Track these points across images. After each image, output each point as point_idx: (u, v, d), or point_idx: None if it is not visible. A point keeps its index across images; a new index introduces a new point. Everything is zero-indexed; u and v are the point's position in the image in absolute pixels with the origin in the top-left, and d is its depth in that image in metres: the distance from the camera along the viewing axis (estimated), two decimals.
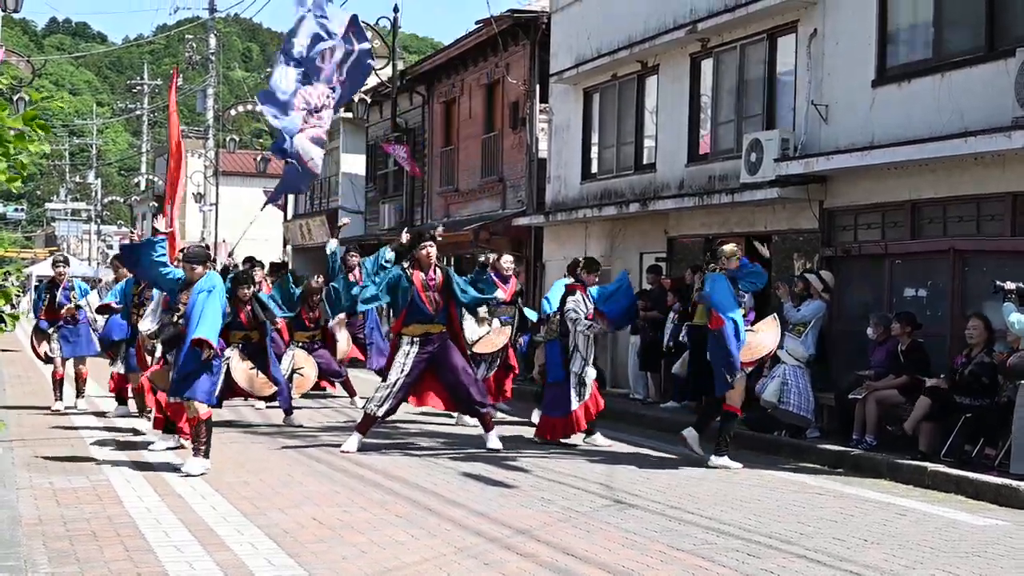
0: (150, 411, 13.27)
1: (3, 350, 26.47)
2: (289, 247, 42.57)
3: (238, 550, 7.64)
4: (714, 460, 12.06)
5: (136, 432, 13.48)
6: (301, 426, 14.69)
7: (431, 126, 31.66)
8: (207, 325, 10.62)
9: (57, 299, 16.10)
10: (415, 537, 8.21)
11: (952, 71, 13.46)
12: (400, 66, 31.33)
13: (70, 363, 16.34)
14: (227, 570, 7.10)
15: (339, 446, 12.56)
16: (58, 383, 16.06)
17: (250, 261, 17.01)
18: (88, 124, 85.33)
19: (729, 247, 12.54)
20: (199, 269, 11.09)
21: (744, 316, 12.41)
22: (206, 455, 10.75)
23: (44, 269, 62.39)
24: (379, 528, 8.50)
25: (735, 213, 17.55)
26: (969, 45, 13.39)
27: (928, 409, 11.85)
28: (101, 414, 15.48)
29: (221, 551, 7.61)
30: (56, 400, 16.00)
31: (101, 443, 12.68)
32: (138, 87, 65.82)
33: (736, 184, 16.84)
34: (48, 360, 16.50)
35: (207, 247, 12.60)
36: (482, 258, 18.02)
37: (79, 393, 16.26)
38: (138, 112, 66.03)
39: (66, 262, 17.09)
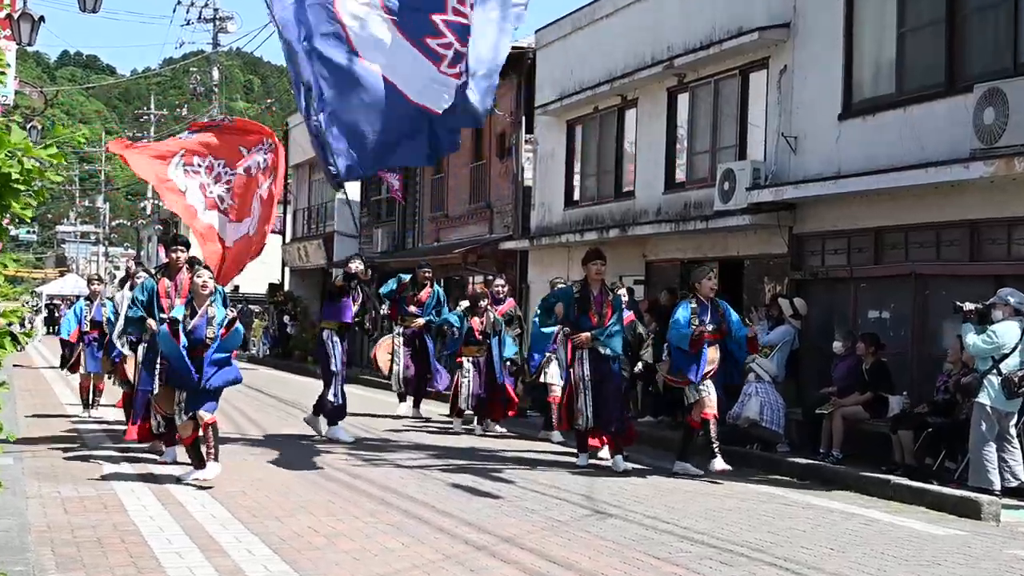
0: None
1: (15, 365, 26.36)
2: (287, 269, 42.49)
3: (236, 556, 7.61)
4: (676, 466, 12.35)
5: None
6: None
7: None
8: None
9: (91, 314, 16.62)
10: (405, 545, 8.19)
11: (914, 106, 13.53)
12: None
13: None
14: (226, 575, 7.07)
15: (329, 455, 12.51)
16: (85, 393, 16.74)
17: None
18: (97, 151, 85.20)
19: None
20: (206, 276, 10.85)
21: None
22: (216, 458, 10.64)
23: (54, 289, 62.32)
24: (371, 536, 8.47)
25: (709, 238, 17.59)
26: (930, 81, 13.46)
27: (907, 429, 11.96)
28: (107, 425, 15.44)
29: (220, 557, 7.58)
30: (84, 408, 16.80)
31: (107, 454, 12.62)
32: (145, 116, 65.78)
33: (710, 211, 16.87)
34: (74, 371, 17.01)
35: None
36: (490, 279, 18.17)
37: (93, 404, 16.54)
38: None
39: (100, 280, 17.79)
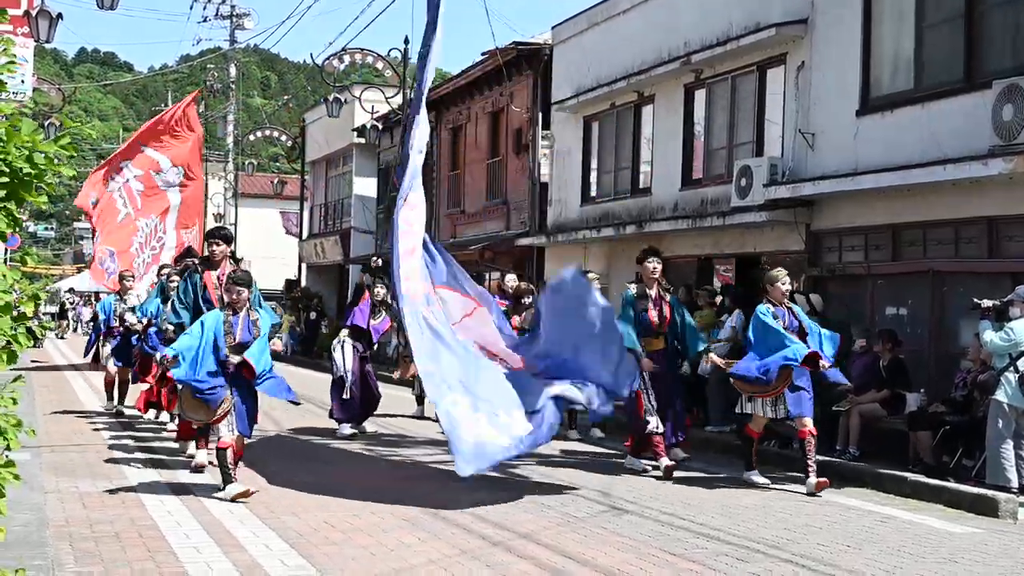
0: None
1: (33, 361, 26.47)
2: (303, 265, 42.60)
3: (254, 551, 7.64)
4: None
5: (162, 425, 13.50)
6: None
7: (439, 151, 31.71)
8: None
9: (120, 311, 16.64)
10: (421, 540, 8.21)
11: (932, 102, 13.50)
12: (410, 94, 31.38)
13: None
14: (243, 570, 7.10)
15: (345, 451, 12.53)
16: (109, 387, 16.75)
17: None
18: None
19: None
20: (245, 294, 10.11)
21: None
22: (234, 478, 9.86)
23: (71, 284, 62.46)
24: (387, 531, 8.50)
25: (726, 235, 17.58)
26: (949, 77, 13.43)
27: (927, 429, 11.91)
28: (125, 420, 15.51)
29: (238, 552, 7.61)
30: (108, 400, 16.81)
31: (124, 448, 12.68)
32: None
33: (727, 207, 16.87)
34: (98, 367, 17.40)
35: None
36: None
37: (121, 399, 16.52)
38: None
39: (133, 277, 17.85)
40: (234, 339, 9.86)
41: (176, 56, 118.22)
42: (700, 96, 18.81)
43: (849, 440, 12.78)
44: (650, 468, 12.10)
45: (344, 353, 14.95)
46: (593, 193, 22.44)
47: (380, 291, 15.28)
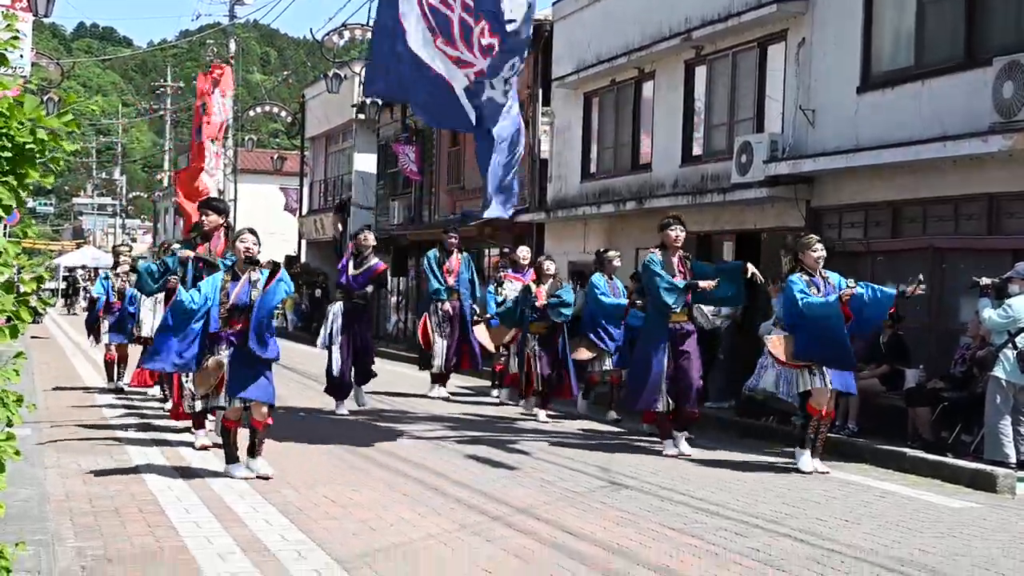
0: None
1: (33, 337, 26.50)
2: (303, 241, 42.59)
3: (253, 526, 7.67)
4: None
5: (159, 400, 13.52)
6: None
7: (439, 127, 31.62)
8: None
9: (117, 286, 16.61)
10: (421, 515, 8.24)
11: (933, 79, 13.47)
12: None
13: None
14: (243, 544, 7.13)
15: (345, 427, 12.56)
16: (109, 365, 16.75)
17: None
18: (114, 123, 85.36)
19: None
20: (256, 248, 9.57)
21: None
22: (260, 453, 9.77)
23: (71, 260, 62.52)
24: (387, 506, 8.53)
25: (726, 211, 17.56)
26: (949, 54, 13.40)
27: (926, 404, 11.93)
28: (123, 395, 15.55)
29: (238, 527, 7.64)
30: (108, 380, 16.76)
31: (124, 425, 12.70)
32: (161, 88, 65.85)
33: (727, 184, 16.85)
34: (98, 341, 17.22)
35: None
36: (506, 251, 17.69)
37: (119, 375, 16.54)
38: (161, 112, 66.07)
39: (130, 250, 17.83)
40: (228, 302, 9.37)
41: (175, 31, 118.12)
42: (701, 72, 18.76)
43: (848, 416, 12.81)
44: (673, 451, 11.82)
45: (330, 323, 14.84)
46: (593, 169, 22.41)
47: (368, 237, 15.22)
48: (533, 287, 14.89)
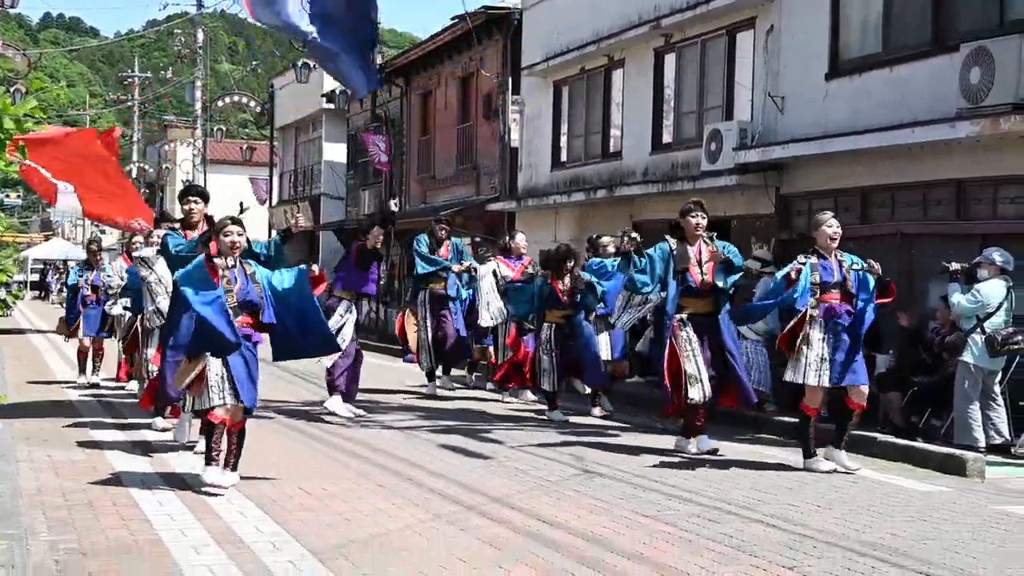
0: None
1: (2, 330, 26.33)
2: (273, 232, 42.43)
3: (228, 518, 7.65)
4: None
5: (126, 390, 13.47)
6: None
7: (409, 116, 31.61)
8: None
9: (91, 280, 16.46)
10: (396, 506, 8.24)
11: (900, 65, 13.55)
12: (379, 60, 31.23)
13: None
14: (217, 536, 7.11)
15: (320, 420, 12.55)
16: (82, 359, 16.40)
17: None
18: (81, 114, 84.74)
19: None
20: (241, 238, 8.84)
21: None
22: (235, 466, 8.90)
23: (40, 252, 62.04)
24: (363, 498, 8.52)
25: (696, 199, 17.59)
26: (917, 41, 13.47)
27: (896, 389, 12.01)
28: (96, 388, 15.48)
29: (212, 519, 7.62)
30: (80, 374, 16.44)
31: (98, 418, 12.65)
32: (129, 79, 65.40)
33: (697, 171, 16.91)
34: (71, 337, 16.87)
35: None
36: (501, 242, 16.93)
37: (94, 370, 16.38)
38: (129, 103, 65.63)
39: (99, 243, 17.59)
40: (234, 299, 8.60)
41: (143, 21, 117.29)
42: (670, 60, 18.80)
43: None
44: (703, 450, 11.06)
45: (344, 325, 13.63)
46: (563, 158, 22.43)
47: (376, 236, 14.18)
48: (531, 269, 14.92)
